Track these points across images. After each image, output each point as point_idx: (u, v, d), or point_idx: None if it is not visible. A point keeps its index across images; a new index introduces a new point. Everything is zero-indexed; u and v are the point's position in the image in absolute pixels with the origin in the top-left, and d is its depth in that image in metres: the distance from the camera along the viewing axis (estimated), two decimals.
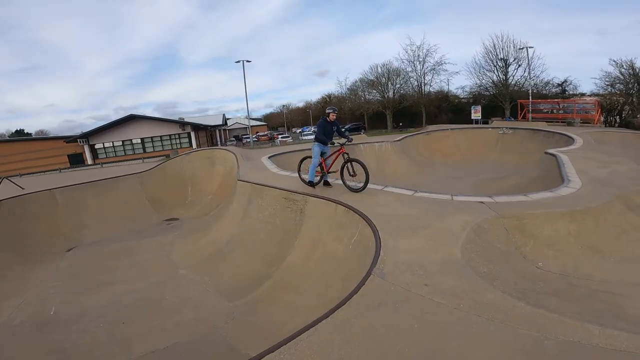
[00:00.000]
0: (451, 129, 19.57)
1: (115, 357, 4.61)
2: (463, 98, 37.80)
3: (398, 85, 37.25)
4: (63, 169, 24.10)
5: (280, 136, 42.92)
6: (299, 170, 7.71)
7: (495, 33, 37.49)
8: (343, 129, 7.29)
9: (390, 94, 37.29)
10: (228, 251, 7.26)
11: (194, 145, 32.68)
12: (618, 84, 24.80)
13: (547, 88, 31.59)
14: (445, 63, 34.52)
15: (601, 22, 64.09)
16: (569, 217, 4.73)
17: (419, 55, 34.82)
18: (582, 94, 29.66)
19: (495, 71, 31.84)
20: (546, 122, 21.42)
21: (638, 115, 22.22)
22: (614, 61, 24.46)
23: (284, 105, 78.38)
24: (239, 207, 8.29)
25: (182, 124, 34.47)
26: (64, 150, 32.33)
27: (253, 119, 74.79)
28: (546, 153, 10.19)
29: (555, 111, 24.41)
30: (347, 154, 6.46)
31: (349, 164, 6.35)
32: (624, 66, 24.05)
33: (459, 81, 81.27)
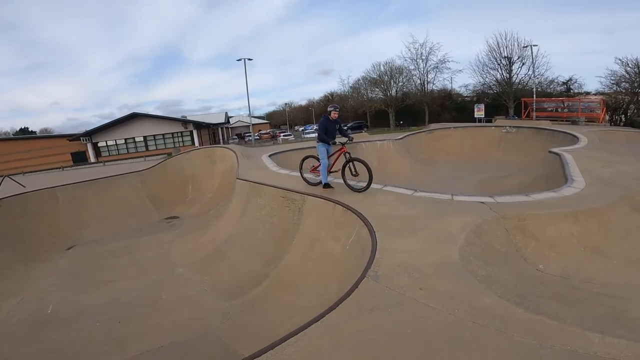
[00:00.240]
0: (454, 127, 19.41)
1: (110, 357, 4.59)
2: (466, 96, 37.49)
3: (401, 84, 37.03)
4: (66, 167, 24.19)
5: (282, 134, 42.85)
6: (300, 170, 7.57)
7: (499, 31, 37.16)
8: (345, 128, 7.11)
9: (393, 92, 37.07)
10: (226, 250, 7.23)
11: (197, 144, 32.68)
12: (624, 83, 24.49)
13: (551, 86, 31.27)
14: (448, 61, 34.28)
15: (606, 20, 63.28)
16: (572, 218, 4.63)
17: (422, 53, 34.60)
18: (588, 93, 29.33)
19: (499, 69, 31.56)
20: (550, 120, 21.18)
21: None
22: (620, 60, 24.19)
23: (286, 104, 78.33)
24: (238, 206, 8.24)
25: (184, 122, 34.45)
26: (68, 148, 32.46)
27: (256, 117, 74.89)
28: (550, 152, 10.04)
29: (559, 110, 24.16)
30: (349, 153, 6.33)
31: (350, 163, 6.21)
32: (630, 65, 23.77)
33: (462, 79, 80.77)
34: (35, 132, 56.60)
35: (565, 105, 23.95)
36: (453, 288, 2.67)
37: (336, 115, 6.41)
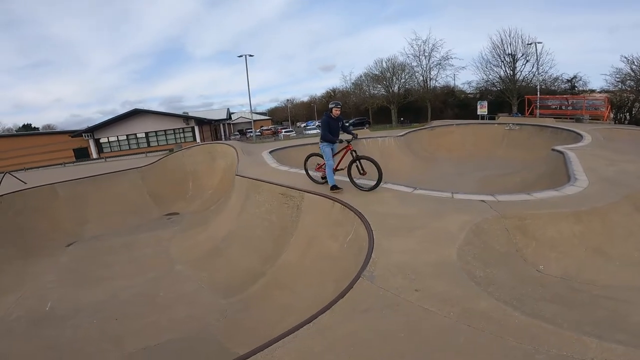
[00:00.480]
0: (456, 124, 19.26)
1: (107, 354, 4.59)
2: (469, 93, 37.24)
3: (403, 80, 36.79)
4: (67, 163, 24.27)
5: (283, 130, 42.78)
6: (305, 168, 7.26)
7: (503, 28, 36.80)
8: (347, 124, 6.81)
9: (395, 88, 36.85)
10: (225, 247, 7.20)
11: (198, 140, 32.70)
12: (629, 81, 24.23)
13: (556, 84, 31.00)
14: (451, 58, 34.03)
15: (609, 19, 62.41)
16: (574, 218, 4.54)
17: (424, 50, 34.35)
18: (592, 91, 29.06)
19: (503, 66, 31.29)
20: (554, 118, 20.96)
21: None
22: (625, 58, 23.92)
23: (288, 100, 78.15)
24: (237, 203, 8.21)
25: (186, 118, 34.47)
26: (70, 144, 32.59)
27: (258, 114, 74.77)
28: (553, 150, 9.91)
29: (563, 107, 23.92)
30: (355, 151, 6.06)
31: (358, 161, 5.98)
32: (635, 63, 23.48)
33: (465, 76, 79.94)
34: (38, 129, 56.80)
35: (570, 103, 23.71)
36: (449, 290, 2.61)
37: (338, 112, 6.12)
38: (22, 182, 12.48)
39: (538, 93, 25.45)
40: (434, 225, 4.08)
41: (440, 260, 3.16)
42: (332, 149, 6.27)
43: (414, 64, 35.55)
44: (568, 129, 14.44)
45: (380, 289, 2.69)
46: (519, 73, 30.69)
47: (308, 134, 34.15)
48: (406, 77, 36.60)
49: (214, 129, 42.97)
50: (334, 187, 6.11)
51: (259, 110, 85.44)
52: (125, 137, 32.98)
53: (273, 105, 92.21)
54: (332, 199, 5.54)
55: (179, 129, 33.67)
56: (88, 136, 32.24)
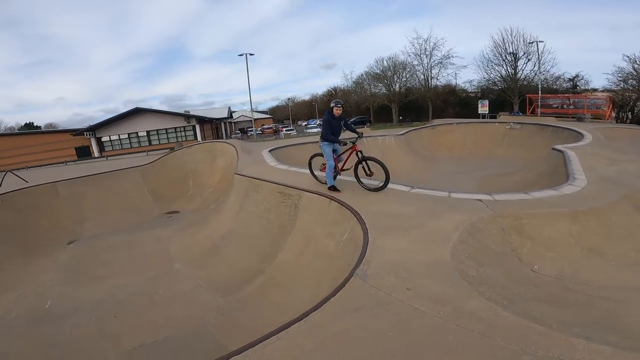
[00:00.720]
0: (457, 123, 19.21)
1: (105, 351, 4.62)
2: (471, 92, 37.08)
3: (404, 79, 36.64)
4: (69, 161, 24.34)
5: (284, 129, 42.78)
6: (310, 168, 7.12)
7: (504, 27, 36.56)
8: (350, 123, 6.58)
9: (396, 87, 36.72)
10: (223, 246, 7.22)
11: (199, 138, 32.73)
12: (631, 80, 24.00)
13: (557, 83, 30.83)
14: (452, 57, 33.78)
15: (612, 17, 61.93)
16: (571, 218, 4.53)
17: (425, 48, 34.13)
18: (595, 90, 28.87)
19: (504, 65, 31.08)
20: (555, 117, 20.87)
21: None
22: (628, 57, 23.70)
23: (289, 99, 78.09)
24: (236, 201, 8.23)
25: (187, 116, 34.49)
26: (72, 143, 32.68)
27: (259, 112, 74.74)
28: (553, 149, 9.88)
29: (565, 106, 23.80)
30: (361, 151, 5.90)
31: (364, 162, 5.83)
32: (638, 62, 23.28)
33: (466, 75, 79.60)
34: (40, 127, 56.99)
35: (571, 102, 23.59)
36: (441, 289, 2.61)
37: (340, 112, 5.94)
38: (24, 180, 12.54)
39: (539, 92, 25.31)
40: (429, 225, 4.07)
41: (433, 259, 3.15)
42: (335, 150, 6.12)
43: (415, 62, 35.40)
44: (569, 128, 14.37)
45: (372, 288, 2.70)
46: (520, 72, 30.50)
47: (309, 132, 34.17)
48: (407, 75, 36.45)
49: (215, 127, 43.00)
50: (332, 188, 6.07)
51: (261, 108, 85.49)
52: (126, 136, 33.05)
53: (274, 103, 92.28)
54: (329, 198, 5.54)
55: (180, 127, 33.72)
56: (90, 135, 32.32)
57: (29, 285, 6.94)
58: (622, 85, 24.84)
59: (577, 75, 30.54)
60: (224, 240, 7.38)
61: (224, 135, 45.68)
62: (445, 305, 2.39)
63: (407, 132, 17.33)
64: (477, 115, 26.36)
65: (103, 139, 32.82)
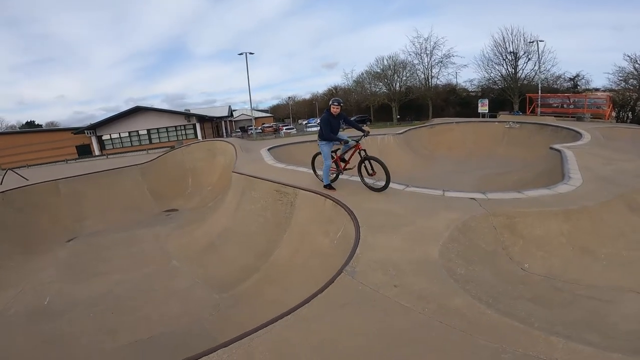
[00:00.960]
0: (456, 122, 19.21)
1: (101, 346, 4.69)
2: (471, 91, 37.04)
3: (404, 78, 36.63)
4: (70, 159, 24.44)
5: (284, 127, 42.83)
6: (313, 168, 7.06)
7: (505, 26, 36.49)
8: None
9: (397, 86, 36.71)
10: (220, 243, 7.27)
11: (199, 137, 32.77)
12: (632, 80, 23.97)
13: (558, 82, 30.80)
14: (453, 56, 33.77)
15: (615, 17, 61.63)
16: (563, 217, 4.55)
17: (426, 47, 34.13)
18: (597, 89, 28.81)
19: (504, 64, 31.06)
20: (555, 116, 20.87)
21: None
22: (629, 56, 23.67)
23: (289, 97, 78.09)
24: (234, 199, 8.28)
25: (187, 115, 34.54)
26: (73, 141, 32.77)
27: (260, 111, 74.77)
28: (551, 148, 9.89)
29: (565, 106, 23.77)
30: (365, 150, 5.80)
31: (367, 161, 5.76)
32: (638, 61, 23.23)
33: (467, 74, 79.36)
34: (41, 126, 57.15)
35: (571, 102, 23.55)
36: (427, 286, 2.65)
37: (338, 110, 5.80)
38: (24, 178, 12.61)
39: (539, 91, 25.27)
40: (421, 223, 4.11)
41: (422, 257, 3.19)
42: (333, 148, 6.07)
43: (416, 61, 35.41)
44: (568, 128, 14.37)
45: (360, 284, 2.74)
46: (520, 71, 30.47)
47: (309, 131, 34.22)
48: (407, 74, 36.46)
49: (215, 126, 43.03)
50: (328, 186, 6.09)
51: (262, 107, 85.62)
52: (127, 134, 33.11)
53: (275, 102, 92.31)
54: (324, 196, 5.58)
55: (180, 126, 33.76)
56: (90, 133, 32.37)
57: (28, 282, 7.01)
58: (622, 85, 24.82)
59: (577, 75, 30.56)
60: (221, 238, 7.43)
61: (225, 134, 45.75)
62: (430, 302, 2.42)
63: (406, 131, 17.34)
64: (477, 115, 26.36)
65: (104, 137, 32.89)
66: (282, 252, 5.71)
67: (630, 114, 24.04)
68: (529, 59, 29.71)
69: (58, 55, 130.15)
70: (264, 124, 54.21)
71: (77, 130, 33.37)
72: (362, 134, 5.99)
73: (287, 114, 71.88)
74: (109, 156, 24.53)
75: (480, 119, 22.49)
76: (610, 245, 4.36)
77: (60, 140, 32.67)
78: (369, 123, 33.81)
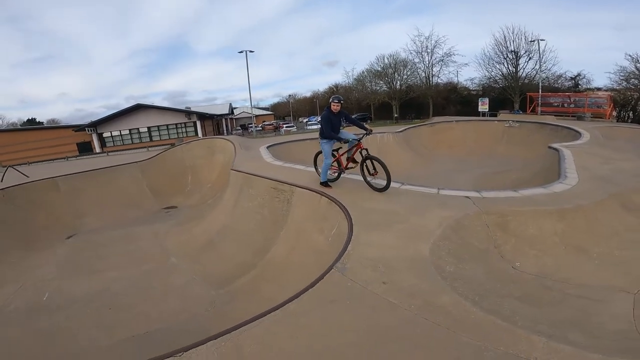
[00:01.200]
0: (456, 121, 19.19)
1: (98, 341, 4.74)
2: (472, 90, 36.98)
3: (405, 76, 36.60)
4: (71, 157, 24.51)
5: (285, 125, 42.86)
6: (315, 166, 7.02)
7: (506, 25, 36.39)
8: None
9: (397, 84, 36.69)
10: (219, 240, 7.32)
11: (200, 134, 32.82)
12: (633, 79, 23.90)
13: (559, 81, 30.73)
14: (454, 54, 33.74)
15: (618, 17, 61.26)
16: (557, 216, 4.56)
17: (427, 46, 34.08)
18: (598, 89, 28.73)
19: (505, 63, 31.01)
20: (555, 116, 20.82)
21: None
22: (630, 56, 23.62)
23: (290, 95, 78.04)
24: (232, 197, 8.32)
25: (188, 113, 34.60)
26: (74, 138, 32.86)
27: (260, 109, 74.76)
28: (550, 147, 9.89)
29: (565, 105, 23.73)
30: (366, 149, 5.73)
31: (368, 161, 5.69)
32: None
33: (468, 73, 79.14)
34: (42, 123, 57.26)
35: (572, 101, 23.50)
36: (415, 284, 2.68)
37: (338, 108, 5.73)
38: (25, 175, 12.67)
39: (540, 90, 25.21)
40: (415, 221, 4.13)
41: (413, 255, 3.22)
42: (347, 146, 5.99)
43: (417, 60, 35.37)
44: (567, 127, 14.37)
45: (350, 281, 2.77)
46: (521, 70, 30.43)
47: (309, 129, 34.26)
48: (408, 73, 36.43)
49: (216, 123, 43.07)
50: (324, 184, 6.11)
51: (262, 105, 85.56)
52: (127, 132, 33.18)
53: (276, 100, 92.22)
54: (319, 193, 5.61)
55: (181, 123, 33.82)
56: (91, 130, 32.48)
57: (27, 278, 7.07)
58: (624, 85, 24.74)
59: (579, 74, 30.48)
60: (220, 235, 7.47)
61: (225, 132, 45.78)
62: (417, 299, 2.46)
63: (405, 129, 17.35)
64: (478, 114, 26.32)
65: (104, 135, 32.97)
66: (279, 249, 5.75)
67: (631, 114, 23.98)
68: (530, 58, 29.70)
69: (59, 52, 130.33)
70: (264, 121, 54.22)
71: (78, 128, 33.46)
72: (365, 132, 5.95)
73: (287, 111, 71.86)
74: (109, 153, 24.61)
75: (480, 118, 22.46)
76: (603, 244, 4.38)
77: (61, 137, 32.74)
78: (369, 121, 33.79)
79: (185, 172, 13.87)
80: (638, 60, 23.21)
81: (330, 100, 5.79)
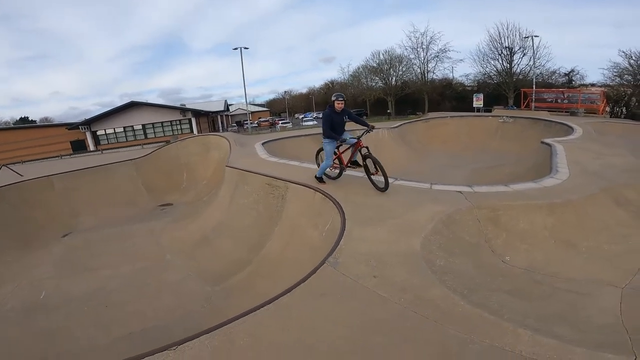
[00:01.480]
0: (450, 116, 19.29)
1: (94, 339, 4.77)
2: (467, 86, 37.11)
3: (401, 72, 36.63)
4: (64, 155, 24.28)
5: (280, 122, 42.77)
6: (317, 163, 6.80)
7: (500, 21, 36.49)
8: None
9: (393, 80, 36.72)
10: (214, 237, 7.34)
11: (195, 131, 32.62)
12: (626, 75, 24.14)
13: (553, 77, 30.94)
14: (449, 50, 33.78)
15: (614, 13, 61.54)
16: (548, 210, 4.62)
17: (422, 42, 34.09)
18: (592, 85, 28.97)
19: (500, 59, 31.16)
20: (549, 111, 20.97)
21: None
22: (623, 52, 23.83)
23: (285, 92, 77.79)
24: (227, 193, 8.33)
25: (183, 110, 34.36)
26: (67, 137, 32.49)
27: (256, 105, 74.39)
28: (542, 142, 10.00)
29: (559, 101, 23.90)
30: (366, 147, 5.57)
31: (368, 159, 5.55)
32: (633, 57, 23.39)
33: (463, 69, 79.29)
34: (35, 122, 56.55)
35: (565, 97, 23.68)
36: (406, 278, 2.73)
37: (341, 106, 5.56)
38: (19, 174, 12.57)
39: (534, 86, 25.37)
40: (407, 216, 4.18)
41: (405, 249, 3.27)
42: (335, 146, 5.84)
43: (412, 56, 35.39)
44: (560, 122, 14.50)
45: (341, 275, 2.83)
46: (515, 66, 30.60)
47: (304, 125, 34.23)
48: (404, 69, 36.46)
49: (211, 120, 42.85)
50: (319, 179, 6.06)
51: (259, 101, 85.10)
52: (122, 129, 32.89)
53: (272, 96, 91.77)
54: (314, 189, 5.64)
55: (175, 120, 33.58)
56: (85, 128, 32.16)
57: (24, 277, 7.06)
58: (617, 81, 24.98)
59: (572, 70, 30.71)
60: (215, 232, 7.50)
61: (221, 128, 45.55)
62: (407, 293, 2.51)
63: (400, 125, 17.41)
64: (473, 109, 26.46)
65: (98, 133, 32.66)
66: (274, 245, 5.79)
67: (624, 109, 24.22)
68: (524, 54, 29.87)
69: (52, 51, 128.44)
70: (260, 118, 54.04)
71: (72, 126, 33.10)
72: (365, 130, 5.82)
73: (283, 108, 71.65)
74: (103, 151, 24.41)
75: (474, 113, 22.58)
76: (592, 238, 4.43)
77: (55, 135, 32.36)
78: (365, 117, 33.82)
79: (181, 169, 13.83)
80: (631, 57, 23.44)
81: (334, 99, 5.57)
